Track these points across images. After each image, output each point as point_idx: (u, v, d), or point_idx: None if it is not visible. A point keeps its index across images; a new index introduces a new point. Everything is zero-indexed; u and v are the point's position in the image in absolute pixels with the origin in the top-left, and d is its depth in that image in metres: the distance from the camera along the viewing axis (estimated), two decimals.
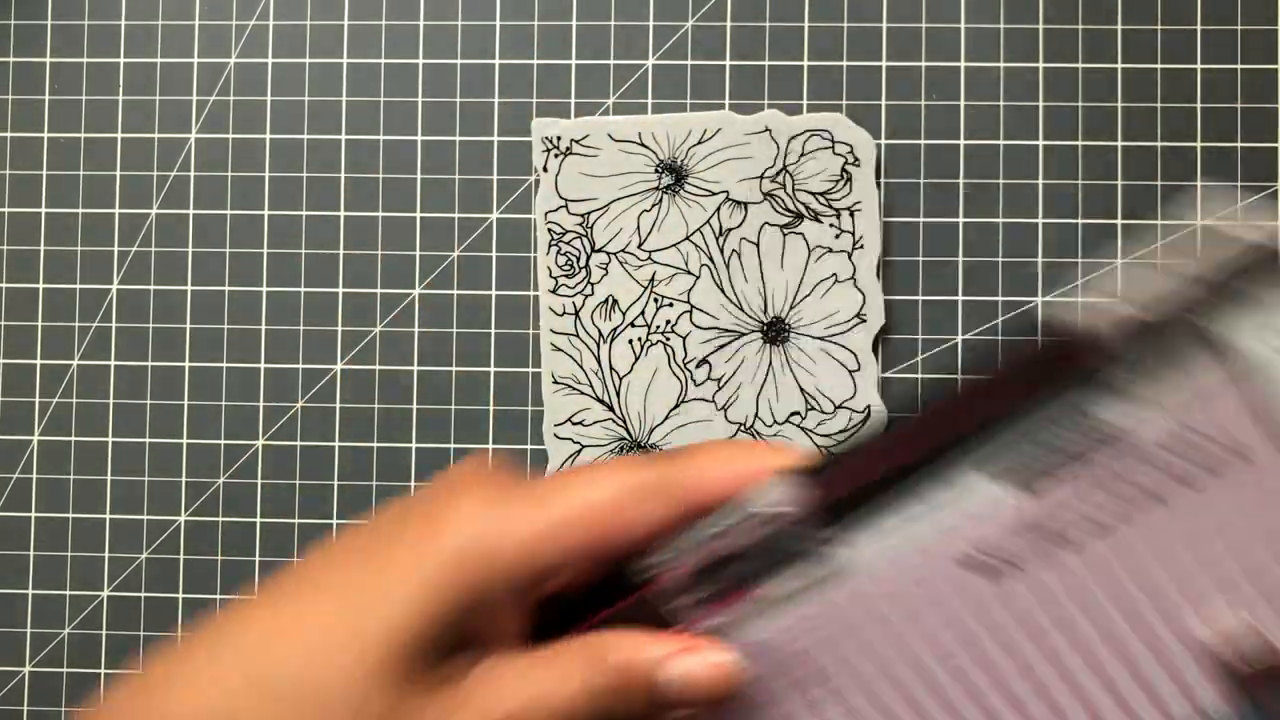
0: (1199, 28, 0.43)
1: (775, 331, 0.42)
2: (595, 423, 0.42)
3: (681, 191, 0.42)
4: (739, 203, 0.42)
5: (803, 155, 0.42)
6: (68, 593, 0.43)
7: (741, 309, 0.42)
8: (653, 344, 0.42)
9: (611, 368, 0.42)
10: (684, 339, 0.42)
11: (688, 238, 0.42)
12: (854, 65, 0.43)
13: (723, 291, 0.42)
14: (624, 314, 0.42)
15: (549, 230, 0.42)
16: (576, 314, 0.42)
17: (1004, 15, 0.43)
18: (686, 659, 0.23)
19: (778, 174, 0.42)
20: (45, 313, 0.44)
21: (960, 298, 0.43)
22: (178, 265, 0.44)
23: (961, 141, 0.43)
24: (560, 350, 0.42)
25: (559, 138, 0.42)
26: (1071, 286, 0.43)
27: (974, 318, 0.43)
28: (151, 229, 0.44)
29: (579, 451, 0.42)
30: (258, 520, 0.43)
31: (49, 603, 0.43)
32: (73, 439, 0.44)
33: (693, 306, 0.42)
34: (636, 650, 0.23)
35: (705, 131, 0.42)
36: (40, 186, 0.44)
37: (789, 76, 0.43)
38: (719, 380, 0.42)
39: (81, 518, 0.44)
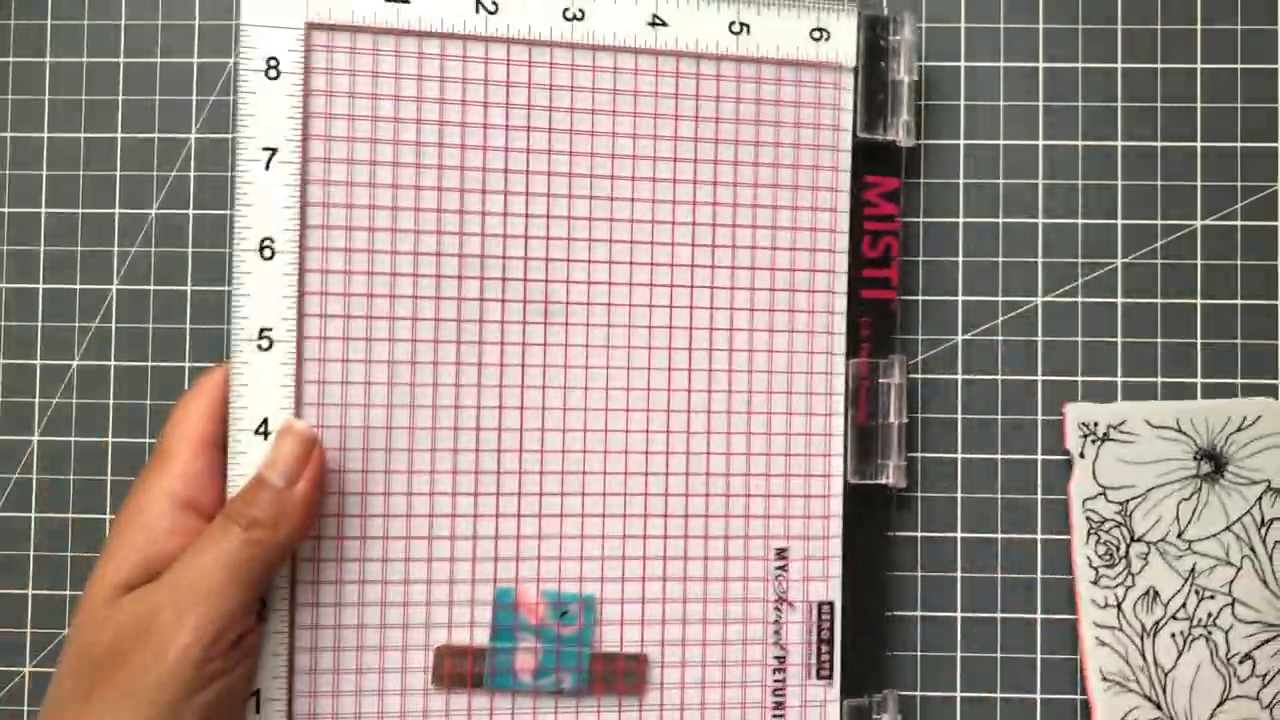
0: (1199, 28, 0.43)
1: None
2: None
3: (1221, 480, 0.41)
4: None
5: None
6: (68, 593, 0.43)
7: None
8: (1195, 638, 0.41)
9: (1156, 662, 0.41)
10: (1226, 633, 0.41)
11: (1228, 528, 0.41)
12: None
13: (1266, 585, 0.41)
14: (1165, 606, 0.41)
15: (1087, 518, 0.41)
16: (1119, 606, 0.41)
17: (1003, 15, 0.44)
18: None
19: None
20: (45, 313, 0.44)
21: (960, 298, 0.43)
22: (178, 265, 0.44)
23: (961, 142, 0.43)
24: (1105, 645, 0.41)
25: (1096, 423, 0.42)
26: (1071, 286, 0.43)
27: (974, 317, 0.43)
28: (151, 229, 0.44)
29: None
30: None
31: (49, 603, 0.43)
32: (73, 439, 0.44)
33: (1235, 600, 0.41)
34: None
35: (1245, 419, 0.41)
36: (40, 186, 0.44)
37: None
38: (1264, 677, 0.41)
39: (81, 518, 0.44)
